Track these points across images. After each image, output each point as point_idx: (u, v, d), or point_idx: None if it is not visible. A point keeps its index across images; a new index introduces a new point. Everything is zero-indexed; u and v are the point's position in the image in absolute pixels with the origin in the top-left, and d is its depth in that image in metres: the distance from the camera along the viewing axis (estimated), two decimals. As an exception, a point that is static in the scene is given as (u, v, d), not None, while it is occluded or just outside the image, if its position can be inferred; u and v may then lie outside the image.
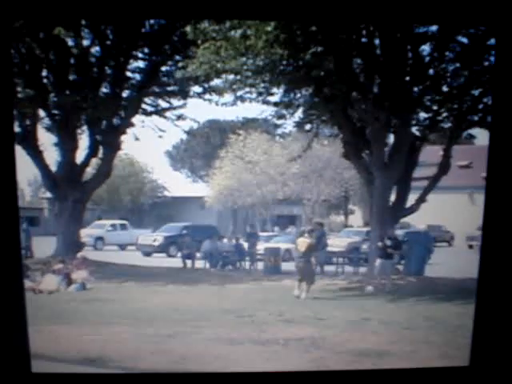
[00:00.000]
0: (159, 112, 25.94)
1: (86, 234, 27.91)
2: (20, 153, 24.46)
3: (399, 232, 25.04)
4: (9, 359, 6.39)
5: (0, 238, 6.13)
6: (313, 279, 19.35)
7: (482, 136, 26.84)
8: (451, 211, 30.97)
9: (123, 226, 31.92)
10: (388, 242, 20.97)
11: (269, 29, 19.15)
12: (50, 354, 11.77)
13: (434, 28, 21.03)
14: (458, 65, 21.99)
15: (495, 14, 6.30)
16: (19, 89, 23.93)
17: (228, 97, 22.74)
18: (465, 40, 21.22)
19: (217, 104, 24.07)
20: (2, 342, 6.35)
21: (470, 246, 30.15)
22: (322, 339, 13.31)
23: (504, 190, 6.49)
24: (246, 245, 26.51)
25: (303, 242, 19.77)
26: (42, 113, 25.04)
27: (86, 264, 21.24)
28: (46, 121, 25.22)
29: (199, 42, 20.61)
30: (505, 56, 6.35)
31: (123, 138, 25.67)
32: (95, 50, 24.75)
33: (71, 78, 24.50)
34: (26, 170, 25.92)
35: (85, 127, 25.69)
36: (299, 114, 23.72)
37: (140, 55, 25.51)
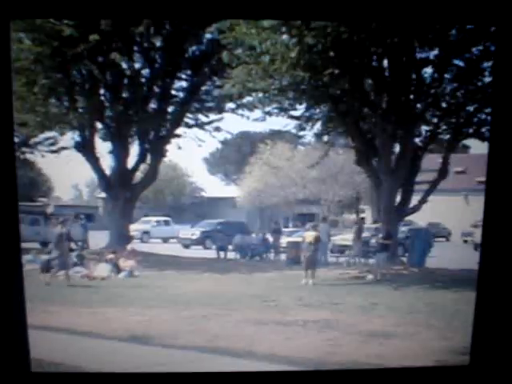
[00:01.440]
0: (199, 125, 25.93)
1: (135, 228, 27.82)
2: (80, 159, 24.68)
3: (403, 228, 24.86)
4: (9, 359, 6.07)
5: (1, 237, 5.83)
6: (315, 266, 19.13)
7: (475, 146, 26.60)
8: (449, 211, 30.53)
9: (166, 222, 31.81)
10: (380, 235, 20.96)
11: (292, 55, 19.19)
12: (101, 332, 11.76)
13: (434, 53, 21.03)
14: (455, 85, 21.77)
15: (495, 30, 6.05)
16: (80, 104, 24.08)
17: (257, 112, 22.90)
18: (461, 63, 21.07)
19: (248, 118, 24.12)
20: (1, 341, 6.02)
21: (465, 241, 29.76)
22: (336, 321, 13.16)
23: (502, 189, 6.26)
24: (271, 239, 26.33)
25: (310, 235, 19.64)
26: (99, 125, 25.15)
27: (134, 254, 21.15)
28: (103, 131, 25.30)
29: (234, 65, 20.68)
30: (503, 70, 6.11)
31: (168, 146, 25.69)
32: (145, 71, 24.85)
33: (124, 95, 24.57)
34: (84, 173, 25.95)
35: (135, 137, 25.75)
36: (318, 126, 23.63)
37: (183, 76, 25.57)
